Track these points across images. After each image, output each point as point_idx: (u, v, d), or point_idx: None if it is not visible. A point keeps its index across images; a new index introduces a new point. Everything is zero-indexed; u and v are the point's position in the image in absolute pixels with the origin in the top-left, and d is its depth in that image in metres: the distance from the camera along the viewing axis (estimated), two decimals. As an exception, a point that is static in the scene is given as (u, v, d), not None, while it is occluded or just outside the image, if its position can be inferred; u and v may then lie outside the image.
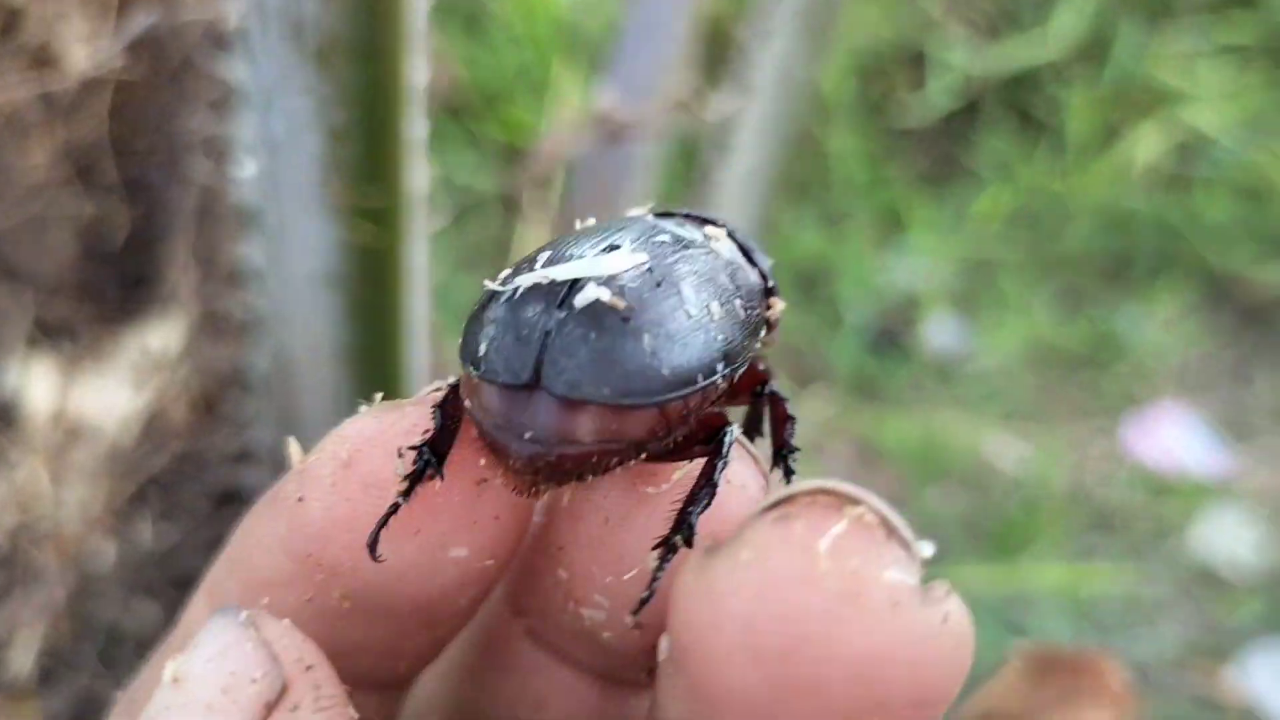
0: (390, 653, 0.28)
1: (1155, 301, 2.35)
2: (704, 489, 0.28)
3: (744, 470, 0.30)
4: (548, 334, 0.28)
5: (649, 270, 0.30)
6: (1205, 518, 1.85)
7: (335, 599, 0.26)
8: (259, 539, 0.27)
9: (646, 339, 0.28)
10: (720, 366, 0.29)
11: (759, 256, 0.36)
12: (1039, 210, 2.50)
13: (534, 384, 0.27)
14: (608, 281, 0.29)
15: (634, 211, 0.36)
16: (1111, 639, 1.62)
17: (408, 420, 0.26)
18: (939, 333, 2.30)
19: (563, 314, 0.28)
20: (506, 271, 0.31)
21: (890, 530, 0.21)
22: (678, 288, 0.30)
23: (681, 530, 0.28)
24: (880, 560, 0.21)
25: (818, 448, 2.00)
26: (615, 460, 0.28)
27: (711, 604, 0.21)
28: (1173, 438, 1.99)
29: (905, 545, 0.22)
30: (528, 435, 0.27)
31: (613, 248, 0.30)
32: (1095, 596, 1.69)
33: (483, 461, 0.27)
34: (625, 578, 0.27)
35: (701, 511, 0.28)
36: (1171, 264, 2.41)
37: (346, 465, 0.26)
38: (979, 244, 2.45)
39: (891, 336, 2.29)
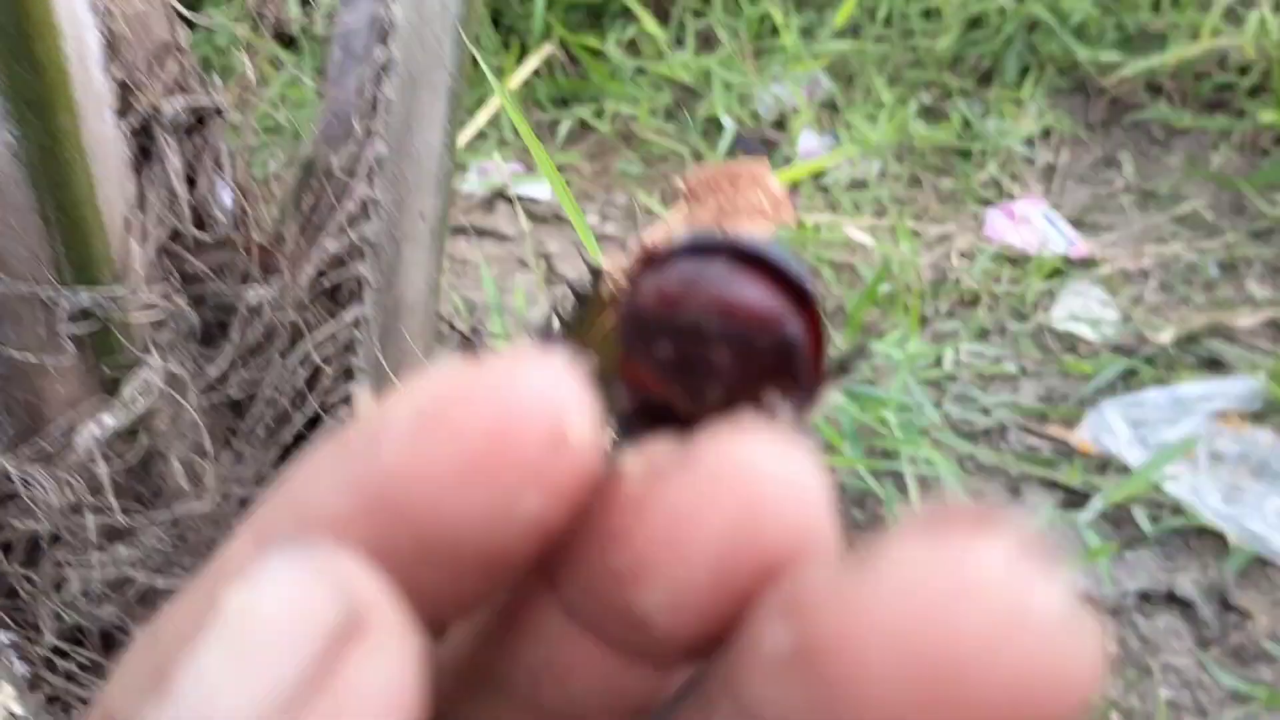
0: (443, 600, 0.27)
1: (1022, 99, 2.38)
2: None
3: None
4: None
5: None
6: (1065, 294, 1.91)
7: (400, 543, 0.25)
8: (322, 481, 0.26)
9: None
10: None
11: None
12: (910, 14, 2.50)
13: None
14: None
15: None
16: (972, 403, 1.69)
17: (495, 376, 0.25)
18: (811, 138, 2.30)
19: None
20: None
21: (1048, 550, 0.21)
22: None
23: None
24: (1043, 581, 0.20)
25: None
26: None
27: (861, 614, 0.20)
28: (1035, 225, 2.04)
29: (1060, 565, 0.21)
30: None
31: None
32: (957, 369, 1.75)
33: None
34: (696, 573, 0.26)
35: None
36: (1038, 62, 2.44)
37: (426, 415, 0.25)
38: (850, 51, 2.44)
39: (767, 145, 2.29)
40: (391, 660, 0.21)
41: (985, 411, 1.69)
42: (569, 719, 0.30)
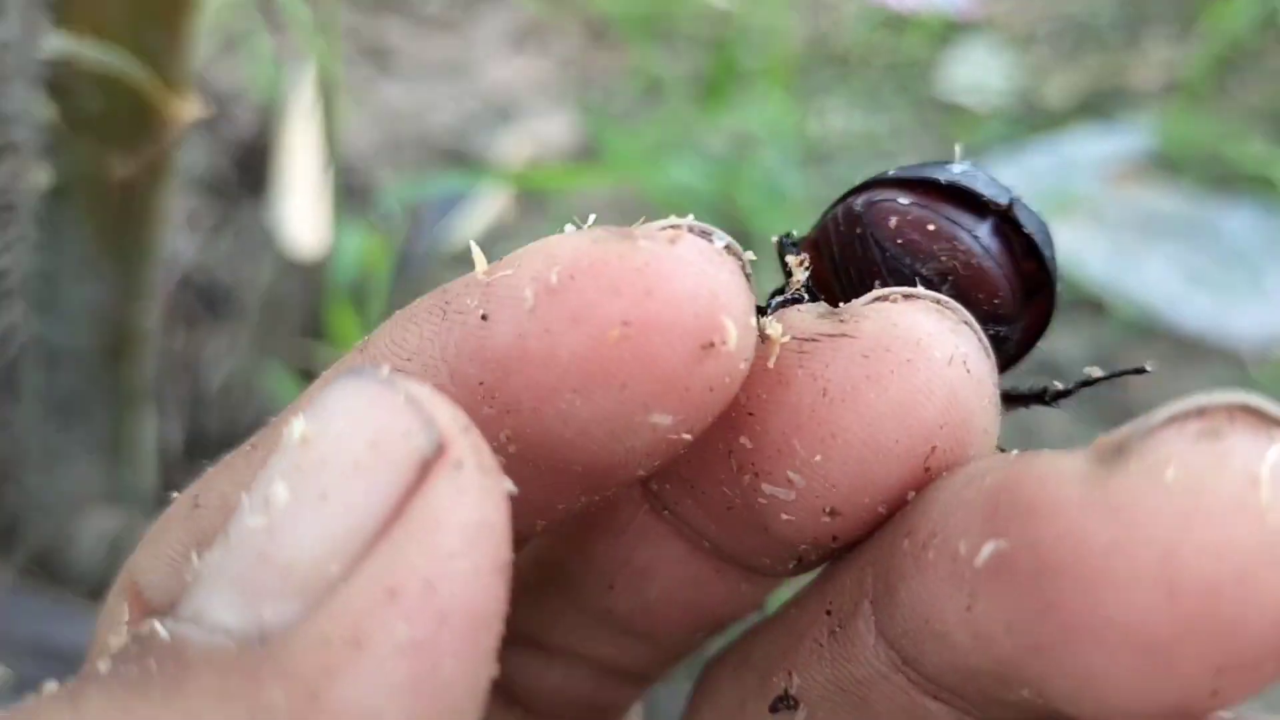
0: (537, 508, 0.25)
1: None
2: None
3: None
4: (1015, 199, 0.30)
5: None
6: (951, 58, 1.75)
7: (500, 439, 0.23)
8: (416, 346, 0.23)
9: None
10: None
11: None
12: None
13: (1007, 210, 0.29)
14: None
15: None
16: (841, 173, 1.54)
17: (640, 256, 0.22)
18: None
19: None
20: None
21: None
22: None
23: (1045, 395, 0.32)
24: None
25: (545, 29, 1.79)
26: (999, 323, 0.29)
27: (1115, 523, 0.19)
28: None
29: None
30: (965, 248, 0.28)
31: None
32: (828, 134, 1.60)
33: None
34: (838, 461, 0.24)
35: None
36: None
37: (554, 291, 0.22)
38: None
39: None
40: (480, 494, 0.20)
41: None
42: (636, 630, 0.28)
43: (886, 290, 0.25)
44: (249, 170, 1.06)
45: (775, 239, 0.34)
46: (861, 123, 1.64)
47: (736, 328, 0.22)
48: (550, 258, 0.22)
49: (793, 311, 0.26)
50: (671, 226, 0.23)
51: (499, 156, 1.45)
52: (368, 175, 1.40)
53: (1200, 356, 1.36)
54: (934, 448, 0.24)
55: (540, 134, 1.48)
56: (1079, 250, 1.41)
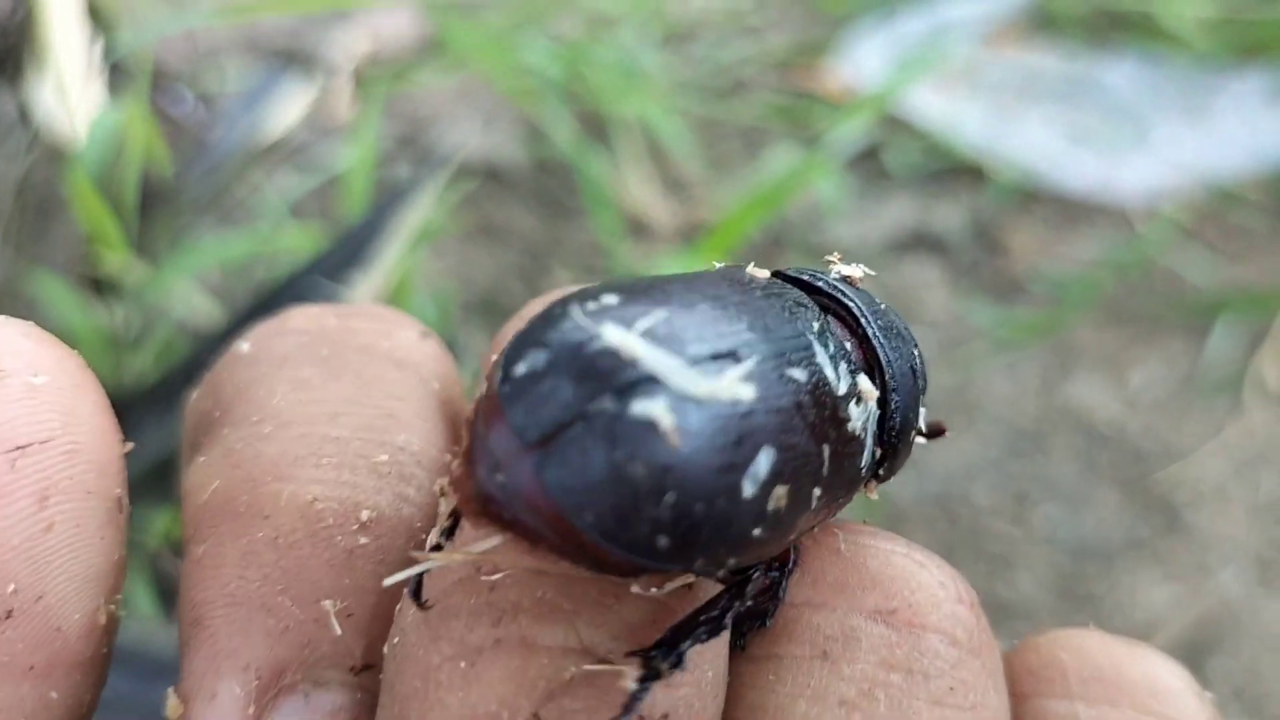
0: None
1: None
2: (710, 620, 0.27)
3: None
4: (582, 415, 0.25)
5: (742, 415, 0.26)
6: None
7: None
8: None
9: (673, 495, 0.25)
10: (732, 561, 0.27)
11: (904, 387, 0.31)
12: None
13: (536, 446, 0.25)
14: (678, 403, 0.25)
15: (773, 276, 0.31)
16: (707, 51, 1.45)
17: None
18: None
19: (610, 405, 0.25)
20: (609, 297, 0.27)
21: None
22: (755, 455, 0.26)
23: (668, 656, 0.26)
24: None
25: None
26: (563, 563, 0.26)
27: None
28: None
29: None
30: (498, 480, 0.25)
31: (731, 356, 0.26)
32: (689, 11, 1.50)
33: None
34: None
35: (696, 644, 0.27)
36: None
37: None
38: None
39: None
40: None
41: (725, 69, 1.45)
42: None
43: None
44: (5, 51, 0.95)
45: None
46: (724, 4, 1.55)
47: None
48: None
49: None
50: None
51: (334, 53, 1.34)
52: (194, 79, 1.30)
53: (1086, 216, 1.30)
54: None
55: (380, 28, 1.38)
56: (956, 116, 1.34)
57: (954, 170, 1.32)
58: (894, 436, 0.30)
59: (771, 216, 1.22)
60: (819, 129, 1.34)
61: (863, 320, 0.30)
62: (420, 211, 0.75)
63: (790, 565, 0.29)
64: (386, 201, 0.76)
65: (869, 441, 0.29)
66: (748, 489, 0.26)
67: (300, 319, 0.35)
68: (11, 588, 0.28)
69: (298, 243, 1.01)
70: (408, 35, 1.39)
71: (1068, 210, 1.30)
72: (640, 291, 0.28)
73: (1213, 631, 1.11)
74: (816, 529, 0.30)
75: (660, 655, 0.26)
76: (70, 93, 0.91)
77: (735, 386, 0.26)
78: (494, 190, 1.29)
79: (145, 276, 0.97)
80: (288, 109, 1.09)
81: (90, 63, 0.93)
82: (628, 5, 1.35)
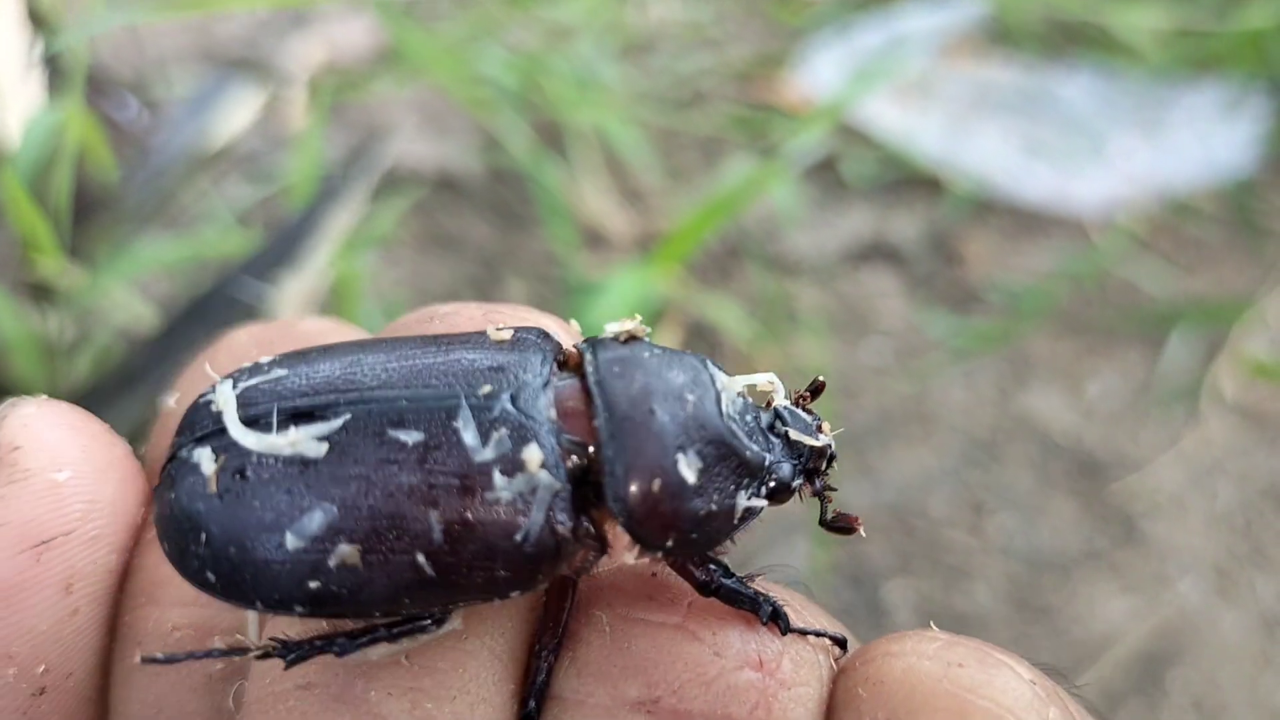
0: None
1: None
2: (345, 639, 0.29)
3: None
4: (172, 458, 0.29)
5: (298, 468, 0.27)
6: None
7: None
8: None
9: (204, 535, 0.28)
10: (299, 609, 0.28)
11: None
12: None
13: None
14: (228, 449, 0.28)
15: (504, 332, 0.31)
16: (669, 72, 1.45)
17: None
18: None
19: (186, 444, 0.29)
20: (276, 363, 0.30)
21: None
22: (312, 509, 0.27)
23: (291, 649, 0.29)
24: None
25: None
26: None
27: None
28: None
29: None
30: None
31: (317, 415, 0.28)
32: (648, 23, 1.50)
33: None
34: None
35: (315, 651, 0.29)
36: None
37: None
38: None
39: None
40: None
41: (684, 80, 1.45)
42: None
43: None
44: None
45: None
46: (684, 11, 1.55)
47: None
48: None
49: None
50: None
51: (289, 61, 1.33)
52: (141, 86, 1.28)
53: (1042, 227, 1.30)
54: None
55: (336, 37, 1.37)
56: (912, 128, 1.34)
57: (910, 181, 1.32)
58: (626, 508, 0.28)
59: (729, 226, 1.22)
60: (777, 139, 1.34)
61: (590, 381, 0.29)
62: (352, 213, 0.74)
63: (549, 652, 0.28)
64: (317, 202, 0.75)
65: (537, 513, 0.27)
66: (291, 541, 0.27)
67: None
68: (42, 668, 0.30)
69: (239, 248, 0.99)
70: (364, 45, 1.38)
71: (1023, 221, 1.30)
72: (303, 357, 0.30)
73: (1171, 642, 1.10)
74: (508, 599, 0.29)
75: (286, 647, 0.28)
76: (4, 93, 0.89)
77: (303, 444, 0.27)
78: (449, 200, 1.28)
79: (82, 282, 0.95)
80: (236, 116, 1.08)
81: (28, 63, 0.91)
82: (586, 16, 1.35)
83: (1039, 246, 1.28)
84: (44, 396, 0.34)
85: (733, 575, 0.30)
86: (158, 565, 0.32)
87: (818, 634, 0.30)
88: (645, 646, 0.29)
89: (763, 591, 0.30)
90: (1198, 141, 1.33)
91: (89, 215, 0.98)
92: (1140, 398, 1.22)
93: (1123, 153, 1.33)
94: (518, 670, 0.29)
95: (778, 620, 0.29)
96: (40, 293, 0.95)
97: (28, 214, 0.83)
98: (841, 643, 0.31)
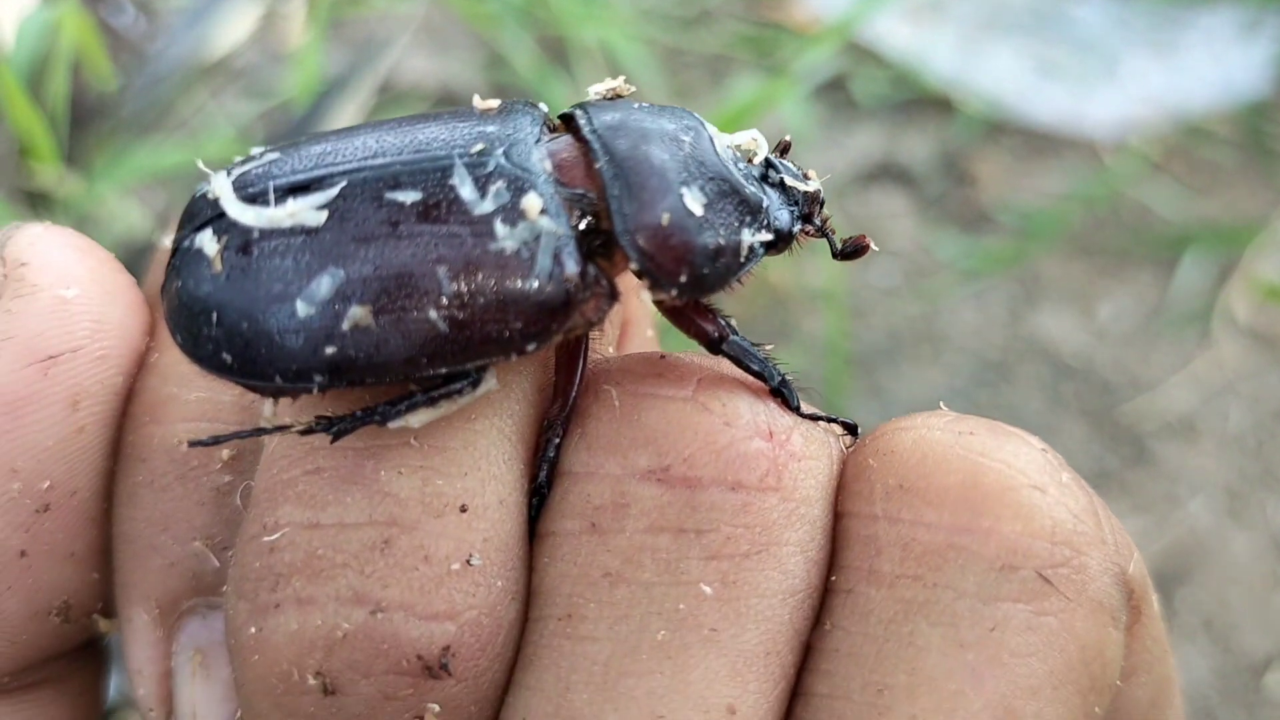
0: None
1: None
2: (387, 407, 0.28)
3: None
4: (175, 250, 0.29)
5: (300, 238, 0.27)
6: None
7: None
8: None
9: (220, 316, 0.28)
10: (319, 378, 0.28)
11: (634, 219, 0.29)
12: None
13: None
14: (229, 230, 0.28)
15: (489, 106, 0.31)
16: (678, 38, 1.42)
17: None
18: None
19: (186, 235, 0.29)
20: (269, 150, 0.30)
21: None
22: (318, 276, 0.27)
23: (335, 423, 0.29)
24: None
25: None
26: None
27: None
28: None
29: None
30: None
31: (313, 187, 0.28)
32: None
33: None
34: None
35: (357, 423, 0.29)
36: None
37: None
38: None
39: None
40: None
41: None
42: None
43: None
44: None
45: None
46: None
47: None
48: None
49: None
50: None
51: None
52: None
53: (1054, 149, 1.28)
54: None
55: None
56: (924, 47, 1.31)
57: (922, 101, 1.29)
58: (637, 244, 0.28)
59: (736, 145, 1.19)
60: (785, 58, 1.31)
61: (585, 132, 0.29)
62: (351, 114, 0.72)
63: (558, 426, 0.29)
64: (315, 102, 0.73)
65: (543, 259, 0.28)
66: (302, 309, 0.27)
67: None
68: (47, 484, 0.30)
69: (234, 155, 0.97)
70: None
71: (1036, 142, 1.28)
72: (294, 143, 0.30)
73: (1181, 563, 1.10)
74: (525, 354, 0.29)
75: (330, 421, 0.29)
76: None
77: (302, 214, 0.27)
78: (451, 118, 1.25)
79: (79, 189, 0.92)
80: (234, 26, 1.05)
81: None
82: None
83: (1051, 168, 1.26)
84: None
85: (741, 336, 0.30)
86: (161, 386, 0.32)
87: (828, 419, 0.31)
88: (655, 419, 0.29)
89: (772, 358, 0.31)
90: (1212, 63, 1.31)
91: (86, 122, 0.96)
92: (1152, 320, 1.21)
93: (1136, 74, 1.30)
94: (527, 452, 0.30)
95: (786, 390, 0.30)
96: (37, 199, 0.93)
97: (25, 115, 0.80)
98: (852, 429, 0.32)
